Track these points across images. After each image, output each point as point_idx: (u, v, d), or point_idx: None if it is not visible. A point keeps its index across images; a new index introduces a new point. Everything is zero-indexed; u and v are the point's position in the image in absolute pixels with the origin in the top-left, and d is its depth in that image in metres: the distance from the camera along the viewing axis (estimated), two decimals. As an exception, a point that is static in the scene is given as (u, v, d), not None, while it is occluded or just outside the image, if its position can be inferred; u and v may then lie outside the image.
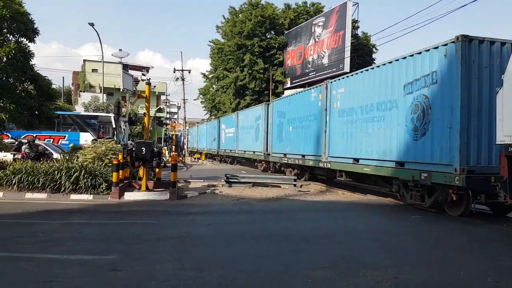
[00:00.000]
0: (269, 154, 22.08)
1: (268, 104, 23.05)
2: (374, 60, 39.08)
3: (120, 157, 12.19)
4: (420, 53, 10.33)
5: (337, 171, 14.64)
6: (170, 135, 57.20)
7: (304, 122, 17.30)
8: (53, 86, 14.72)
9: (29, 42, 13.10)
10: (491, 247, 7.05)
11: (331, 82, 15.20)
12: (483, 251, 6.73)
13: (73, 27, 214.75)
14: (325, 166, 15.01)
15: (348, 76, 14.25)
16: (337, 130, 14.34)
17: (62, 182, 11.91)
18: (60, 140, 24.91)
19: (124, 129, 22.95)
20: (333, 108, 14.77)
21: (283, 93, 37.06)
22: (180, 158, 33.66)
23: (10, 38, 12.80)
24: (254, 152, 24.87)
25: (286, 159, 19.14)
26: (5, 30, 12.55)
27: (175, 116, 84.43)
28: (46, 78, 13.78)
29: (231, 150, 31.28)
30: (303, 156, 17.20)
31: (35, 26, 13.13)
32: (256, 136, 24.50)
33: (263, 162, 23.72)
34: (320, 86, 16.10)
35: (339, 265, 5.51)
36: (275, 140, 21.09)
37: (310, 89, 17.45)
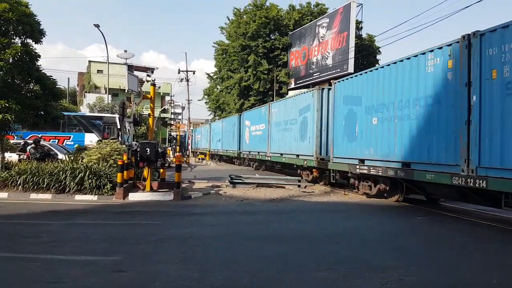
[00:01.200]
0: (325, 159, 15.75)
1: (324, 88, 16.71)
2: (379, 61, 39.00)
3: (124, 157, 12.21)
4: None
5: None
6: (175, 136, 57.28)
7: (407, 109, 10.75)
8: (58, 87, 14.73)
9: (35, 43, 13.14)
10: (496, 247, 7.01)
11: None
12: (489, 251, 6.69)
13: (78, 28, 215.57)
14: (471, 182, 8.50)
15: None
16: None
17: (67, 183, 11.95)
18: (65, 140, 25.02)
19: (128, 130, 22.97)
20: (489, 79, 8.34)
21: (287, 94, 37.00)
22: (184, 159, 33.68)
23: (16, 40, 12.84)
24: (297, 155, 18.05)
25: (365, 167, 12.52)
26: (11, 32, 12.60)
27: (180, 117, 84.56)
28: (51, 77, 13.82)
29: (259, 152, 24.66)
30: (406, 165, 10.78)
31: (41, 27, 13.16)
32: (302, 134, 17.74)
33: (314, 170, 16.87)
34: (451, 44, 9.42)
35: (343, 266, 5.49)
36: (340, 138, 14.41)
37: (424, 52, 10.16)
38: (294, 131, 18.80)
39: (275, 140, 21.54)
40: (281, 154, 20.33)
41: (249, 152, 26.90)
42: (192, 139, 55.51)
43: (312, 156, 16.32)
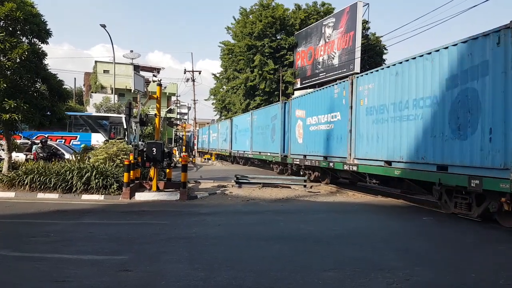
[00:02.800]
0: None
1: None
2: (385, 61, 38.89)
3: (131, 157, 12.26)
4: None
5: None
6: (181, 136, 57.34)
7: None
8: (65, 87, 14.80)
9: (42, 43, 13.21)
10: (503, 248, 6.97)
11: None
12: (495, 252, 6.65)
13: (83, 28, 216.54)
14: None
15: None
16: None
17: (74, 183, 12.01)
18: (72, 140, 25.16)
19: (135, 130, 23.03)
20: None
21: (293, 94, 36.99)
22: (190, 159, 33.75)
23: (23, 40, 12.91)
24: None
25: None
26: (18, 32, 12.68)
27: (186, 117, 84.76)
28: (56, 75, 13.88)
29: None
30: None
31: (47, 27, 13.23)
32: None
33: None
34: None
35: (349, 266, 5.48)
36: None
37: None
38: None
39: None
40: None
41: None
42: (198, 138, 55.08)
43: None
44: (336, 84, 15.17)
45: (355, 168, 13.21)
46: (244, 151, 29.55)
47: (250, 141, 27.24)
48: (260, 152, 25.05)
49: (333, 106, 15.09)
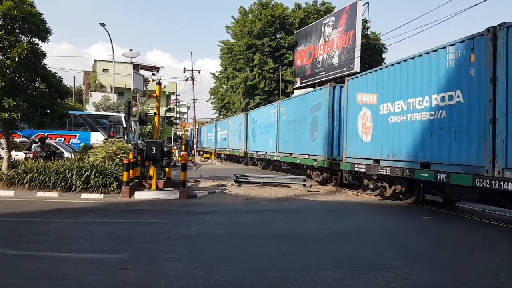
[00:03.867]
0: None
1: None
2: (384, 59, 38.90)
3: (130, 156, 12.25)
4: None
5: None
6: (180, 135, 57.28)
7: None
8: (64, 85, 14.81)
9: (41, 42, 13.21)
10: (502, 247, 6.98)
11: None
12: (494, 251, 6.65)
13: (82, 26, 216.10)
14: None
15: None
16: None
17: (73, 181, 12.01)
18: (71, 139, 25.16)
19: (134, 129, 23.10)
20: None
21: (292, 93, 37.02)
22: (190, 158, 33.76)
23: (22, 38, 12.90)
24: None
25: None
26: (17, 31, 12.66)
27: (185, 116, 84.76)
28: (56, 74, 13.89)
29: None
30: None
31: (47, 26, 13.22)
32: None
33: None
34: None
35: (349, 265, 5.48)
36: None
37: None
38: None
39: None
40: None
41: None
42: (201, 137, 54.30)
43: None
44: (452, 44, 9.45)
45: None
46: (266, 152, 23.58)
47: (276, 139, 21.59)
48: (291, 154, 19.43)
49: (446, 80, 9.53)
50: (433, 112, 9.95)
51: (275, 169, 24.47)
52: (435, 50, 9.94)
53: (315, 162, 16.38)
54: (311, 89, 22.54)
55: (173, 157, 25.26)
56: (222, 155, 38.52)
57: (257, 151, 25.63)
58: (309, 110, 17.64)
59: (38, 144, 15.71)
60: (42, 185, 12.10)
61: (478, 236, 7.89)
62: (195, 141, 53.30)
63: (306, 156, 17.44)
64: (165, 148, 12.93)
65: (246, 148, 28.46)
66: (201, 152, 48.73)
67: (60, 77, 14.06)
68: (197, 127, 57.76)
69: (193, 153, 44.24)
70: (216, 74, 47.65)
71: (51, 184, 12.04)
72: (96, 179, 12.08)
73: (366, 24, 37.34)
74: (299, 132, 18.58)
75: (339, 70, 33.15)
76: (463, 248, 6.92)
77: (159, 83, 14.04)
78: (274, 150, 21.82)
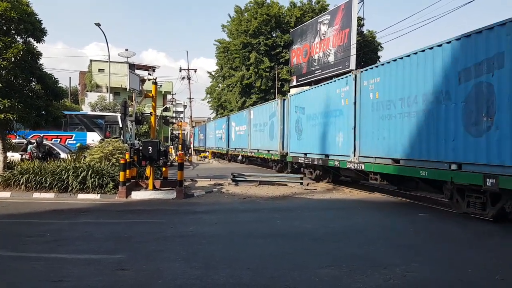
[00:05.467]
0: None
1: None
2: (380, 57, 38.97)
3: (127, 156, 12.23)
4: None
5: None
6: (176, 134, 57.15)
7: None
8: (60, 86, 14.75)
9: (37, 42, 13.15)
10: (498, 244, 7.01)
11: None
12: (491, 247, 6.69)
13: (76, 26, 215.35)
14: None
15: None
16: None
17: (70, 182, 11.98)
18: (67, 139, 25.05)
19: (130, 129, 23.02)
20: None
21: (289, 91, 37.03)
22: (187, 157, 33.70)
23: (18, 39, 12.85)
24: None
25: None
26: (13, 31, 12.61)
27: (181, 115, 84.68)
28: (52, 75, 13.84)
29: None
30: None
31: (42, 26, 13.17)
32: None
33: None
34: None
35: (346, 263, 5.49)
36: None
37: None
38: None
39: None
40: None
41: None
42: (205, 135, 53.24)
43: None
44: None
45: None
46: (326, 156, 15.07)
47: (352, 134, 13.30)
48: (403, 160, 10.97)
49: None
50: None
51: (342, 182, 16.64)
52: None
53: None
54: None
55: (170, 157, 25.23)
56: (240, 158, 30.26)
57: (306, 154, 17.01)
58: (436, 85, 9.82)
59: (34, 145, 15.65)
60: (38, 186, 12.06)
61: (474, 232, 7.92)
62: (191, 140, 53.20)
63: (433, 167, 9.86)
64: (161, 148, 12.91)
65: (284, 149, 20.27)
66: (206, 153, 42.13)
67: (56, 78, 14.01)
68: (193, 126, 57.63)
69: (190, 152, 44.16)
70: (213, 73, 47.63)
71: (47, 185, 12.01)
72: (92, 179, 12.05)
73: (361, 22, 37.36)
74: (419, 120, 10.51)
75: (335, 68, 33.17)
76: (460, 244, 6.94)
77: (155, 83, 14.00)
78: (350, 153, 13.27)
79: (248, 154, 26.88)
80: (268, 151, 22.23)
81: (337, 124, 14.28)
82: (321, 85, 16.35)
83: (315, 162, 15.85)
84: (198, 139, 52.04)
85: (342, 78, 14.27)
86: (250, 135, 26.36)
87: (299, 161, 17.49)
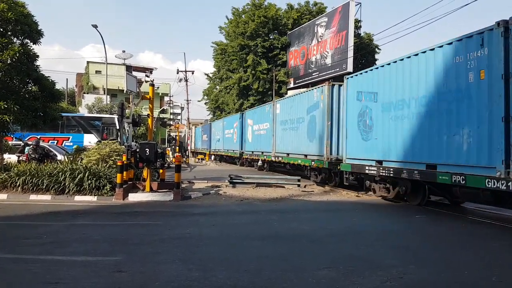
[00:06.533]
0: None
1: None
2: (377, 60, 39.04)
3: (124, 158, 12.21)
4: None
5: None
6: (174, 136, 57.09)
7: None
8: (57, 87, 14.74)
9: (33, 44, 13.14)
10: (495, 246, 7.02)
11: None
12: (488, 249, 6.70)
13: (72, 28, 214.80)
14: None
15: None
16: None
17: (66, 184, 11.94)
18: (64, 141, 25.02)
19: (128, 131, 22.96)
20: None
21: (286, 93, 37.03)
22: (184, 159, 33.68)
23: (15, 41, 12.83)
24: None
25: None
26: (9, 33, 12.59)
27: (179, 117, 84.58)
28: (49, 77, 13.83)
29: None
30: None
31: (39, 28, 13.16)
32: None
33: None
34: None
35: (343, 265, 5.49)
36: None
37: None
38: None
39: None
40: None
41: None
42: (196, 138, 52.67)
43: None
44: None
45: None
46: (452, 168, 9.24)
47: (485, 132, 8.46)
48: None
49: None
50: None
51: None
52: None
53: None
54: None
55: (167, 159, 25.20)
56: (260, 163, 24.64)
57: (380, 161, 11.98)
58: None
59: (31, 146, 15.61)
60: (35, 188, 12.02)
61: (471, 234, 7.94)
62: (189, 142, 53.16)
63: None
64: (159, 150, 12.90)
65: (332, 153, 15.22)
66: (212, 157, 39.75)
67: (53, 80, 13.99)
68: (192, 126, 57.58)
69: (187, 154, 44.14)
70: (210, 75, 47.66)
71: (44, 187, 11.97)
72: (89, 181, 12.02)
73: (359, 24, 37.44)
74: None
75: (333, 71, 33.19)
76: (457, 246, 6.96)
77: (152, 85, 14.02)
78: (493, 159, 8.27)
79: (273, 159, 21.62)
80: (305, 155, 17.23)
81: (460, 114, 9.14)
82: (423, 51, 10.33)
83: (403, 175, 10.73)
84: (202, 140, 47.83)
85: (474, 36, 8.86)
86: (275, 135, 21.56)
87: (366, 171, 12.43)
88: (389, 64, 11.78)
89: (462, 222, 8.93)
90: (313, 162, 16.23)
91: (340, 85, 15.21)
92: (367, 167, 12.41)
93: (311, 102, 16.93)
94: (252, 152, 26.04)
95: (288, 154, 19.41)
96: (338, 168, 14.55)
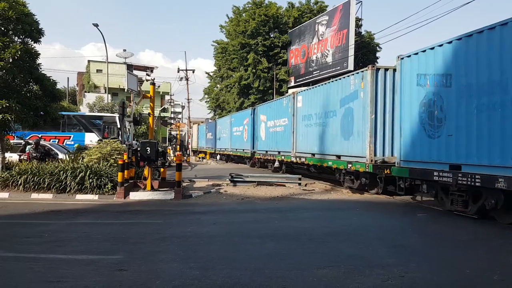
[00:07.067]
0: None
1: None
2: (378, 58, 39.01)
3: (125, 157, 12.23)
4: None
5: None
6: (175, 135, 57.06)
7: None
8: (58, 87, 14.75)
9: (34, 42, 13.15)
10: (496, 244, 7.02)
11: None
12: (489, 248, 6.70)
13: (73, 27, 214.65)
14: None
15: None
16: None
17: (68, 183, 11.96)
18: (65, 140, 25.05)
19: (129, 129, 23.00)
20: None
21: (287, 92, 37.02)
22: (185, 158, 33.69)
23: (16, 39, 12.85)
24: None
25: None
26: (10, 32, 12.61)
27: (180, 116, 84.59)
28: (50, 78, 13.84)
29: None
30: None
31: (40, 27, 13.17)
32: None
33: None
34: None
35: (344, 264, 5.50)
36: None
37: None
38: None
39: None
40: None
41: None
42: (199, 136, 52.13)
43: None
44: None
45: None
46: None
47: None
48: None
49: None
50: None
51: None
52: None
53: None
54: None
55: (168, 157, 25.22)
56: (277, 163, 21.78)
57: (458, 165, 9.01)
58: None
59: (32, 145, 15.62)
60: (36, 186, 12.04)
61: (472, 233, 7.93)
62: (189, 141, 53.11)
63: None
64: (159, 148, 12.90)
65: (376, 154, 12.55)
66: (218, 156, 37.68)
67: (54, 80, 14.00)
68: (192, 126, 57.54)
69: (188, 153, 44.12)
70: (211, 73, 47.64)
71: (45, 185, 11.99)
72: (90, 180, 12.04)
73: (360, 23, 37.39)
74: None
75: (333, 69, 33.17)
76: (458, 245, 6.96)
77: (153, 83, 14.01)
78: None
79: (293, 159, 18.74)
80: (338, 156, 14.43)
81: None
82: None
83: (499, 185, 7.78)
84: (206, 139, 44.75)
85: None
86: (295, 132, 18.72)
87: (436, 178, 9.47)
88: (470, 35, 8.73)
89: (462, 221, 8.91)
90: (349, 165, 13.31)
91: (386, 69, 12.60)
92: (435, 173, 9.44)
93: (347, 91, 13.97)
94: (266, 151, 23.30)
95: (313, 154, 16.58)
96: (386, 172, 11.87)
